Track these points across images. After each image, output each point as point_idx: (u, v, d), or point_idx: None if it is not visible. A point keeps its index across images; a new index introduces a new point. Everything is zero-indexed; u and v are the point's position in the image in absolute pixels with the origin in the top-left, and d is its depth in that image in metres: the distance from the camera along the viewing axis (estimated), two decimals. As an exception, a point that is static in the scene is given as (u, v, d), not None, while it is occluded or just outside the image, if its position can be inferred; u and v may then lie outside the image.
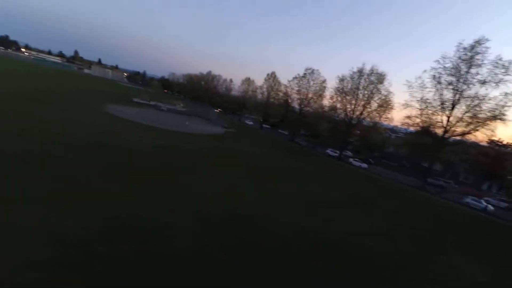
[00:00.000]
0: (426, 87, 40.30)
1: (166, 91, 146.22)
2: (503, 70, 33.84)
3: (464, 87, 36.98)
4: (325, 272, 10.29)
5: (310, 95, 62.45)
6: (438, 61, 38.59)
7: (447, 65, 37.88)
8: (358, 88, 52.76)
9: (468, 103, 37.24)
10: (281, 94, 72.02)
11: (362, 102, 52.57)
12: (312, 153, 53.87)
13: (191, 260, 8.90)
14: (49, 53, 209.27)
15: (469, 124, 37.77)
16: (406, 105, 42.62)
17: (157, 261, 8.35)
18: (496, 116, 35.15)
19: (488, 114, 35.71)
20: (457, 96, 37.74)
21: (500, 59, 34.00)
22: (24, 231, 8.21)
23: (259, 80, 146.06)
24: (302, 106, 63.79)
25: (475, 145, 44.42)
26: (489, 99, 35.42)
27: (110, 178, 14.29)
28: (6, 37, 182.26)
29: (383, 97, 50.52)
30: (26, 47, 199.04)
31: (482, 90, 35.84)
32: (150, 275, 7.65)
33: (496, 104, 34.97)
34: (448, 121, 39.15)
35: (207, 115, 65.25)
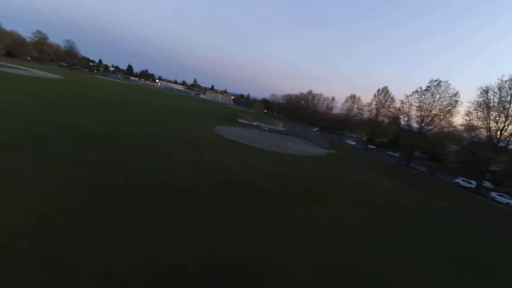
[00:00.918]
0: None
1: (266, 111, 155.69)
2: None
3: None
4: None
5: (435, 112, 51.85)
6: None
7: None
8: (510, 102, 39.92)
9: None
10: (393, 110, 63.36)
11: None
12: (438, 184, 43.40)
13: None
14: (175, 82, 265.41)
15: None
16: None
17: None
18: None
19: None
20: None
21: None
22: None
23: (365, 98, 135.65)
24: (423, 124, 53.46)
25: None
26: None
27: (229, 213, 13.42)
28: (146, 71, 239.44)
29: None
30: (160, 78, 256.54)
31: None
32: None
33: None
34: None
35: (307, 135, 63.73)
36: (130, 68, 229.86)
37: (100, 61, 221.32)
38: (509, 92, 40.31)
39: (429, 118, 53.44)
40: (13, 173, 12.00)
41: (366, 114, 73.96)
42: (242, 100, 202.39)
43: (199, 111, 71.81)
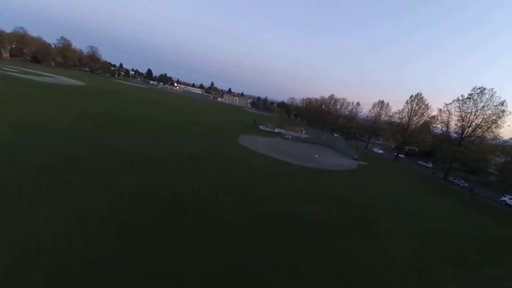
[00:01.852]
0: None
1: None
2: None
3: None
4: None
5: (477, 122, 47.63)
6: None
7: None
8: None
9: None
10: (427, 118, 59.28)
11: None
12: (486, 203, 39.24)
13: None
14: (193, 85, 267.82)
15: None
16: None
17: None
18: None
19: None
20: None
21: None
22: None
23: (395, 105, 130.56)
24: (465, 135, 49.31)
25: None
26: None
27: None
28: (165, 75, 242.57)
29: None
30: (178, 81, 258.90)
31: None
32: None
33: None
34: None
35: (333, 144, 60.62)
36: (149, 72, 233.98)
37: (121, 65, 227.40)
38: None
39: (470, 129, 49.20)
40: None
41: (396, 121, 69.80)
42: (259, 103, 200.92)
43: (220, 120, 71.00)
